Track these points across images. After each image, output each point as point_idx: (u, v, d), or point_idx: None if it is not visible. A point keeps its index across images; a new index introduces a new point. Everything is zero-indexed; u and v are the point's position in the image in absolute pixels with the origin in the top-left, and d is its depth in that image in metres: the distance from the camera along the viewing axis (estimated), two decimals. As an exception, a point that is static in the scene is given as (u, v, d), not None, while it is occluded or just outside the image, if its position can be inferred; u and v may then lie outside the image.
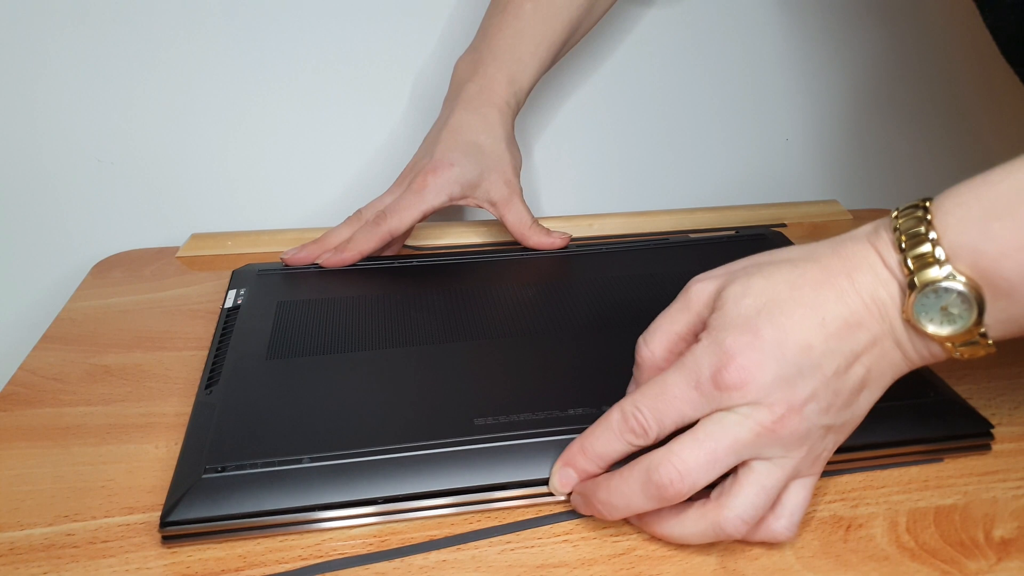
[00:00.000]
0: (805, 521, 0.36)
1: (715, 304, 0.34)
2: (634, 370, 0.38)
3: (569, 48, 0.58)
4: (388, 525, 0.36)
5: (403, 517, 0.36)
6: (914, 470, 0.39)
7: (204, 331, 0.50)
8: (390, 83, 0.63)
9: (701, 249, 0.57)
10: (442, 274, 0.54)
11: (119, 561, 0.34)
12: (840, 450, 0.38)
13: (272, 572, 0.34)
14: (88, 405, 0.44)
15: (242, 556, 0.34)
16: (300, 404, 0.40)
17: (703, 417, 0.32)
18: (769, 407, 0.31)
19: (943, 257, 0.30)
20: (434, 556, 0.34)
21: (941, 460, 0.39)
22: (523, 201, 0.56)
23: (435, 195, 0.52)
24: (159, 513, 0.36)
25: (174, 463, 0.38)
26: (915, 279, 0.31)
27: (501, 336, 0.46)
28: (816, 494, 0.37)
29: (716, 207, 0.68)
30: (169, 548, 0.35)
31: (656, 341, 0.36)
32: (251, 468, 0.36)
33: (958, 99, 0.73)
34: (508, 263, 0.56)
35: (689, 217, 0.65)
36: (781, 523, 0.33)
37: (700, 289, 0.35)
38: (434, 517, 0.36)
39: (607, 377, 0.42)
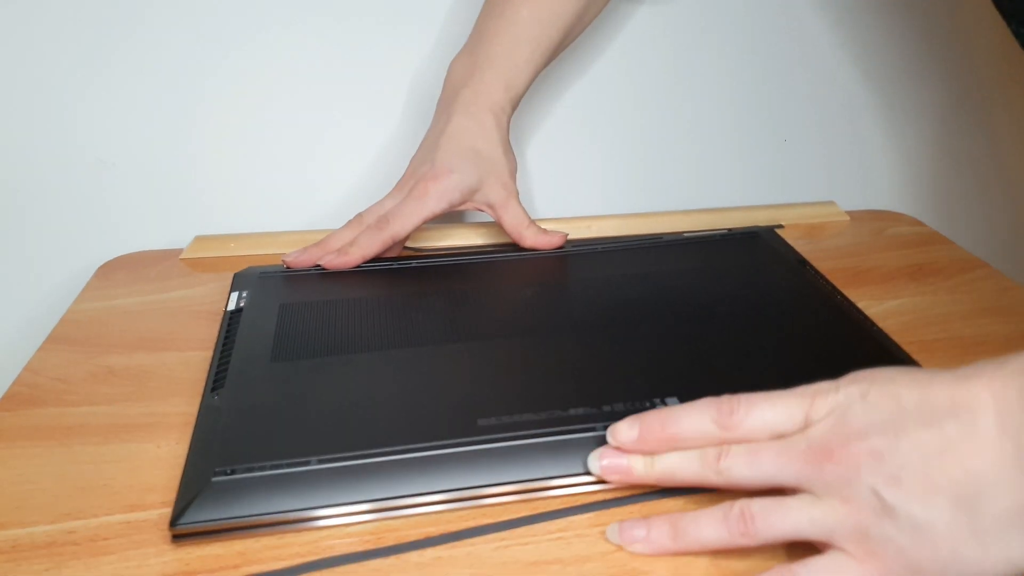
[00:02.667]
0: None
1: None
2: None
3: (560, 51, 0.59)
4: (384, 522, 0.36)
5: (399, 514, 0.36)
6: (906, 468, 0.39)
7: (207, 332, 0.50)
8: (389, 86, 0.64)
9: (696, 247, 0.58)
10: (443, 275, 0.54)
11: (119, 558, 0.35)
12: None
13: (270, 569, 0.34)
14: (91, 405, 0.44)
15: (240, 553, 0.35)
16: (306, 406, 0.40)
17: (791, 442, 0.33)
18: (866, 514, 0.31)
19: None
20: (429, 553, 0.35)
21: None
22: (519, 203, 0.57)
23: (436, 201, 0.53)
24: (160, 511, 0.37)
25: (176, 462, 0.39)
26: None
27: (502, 336, 0.47)
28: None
29: (713, 208, 0.69)
30: (169, 546, 0.35)
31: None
32: (260, 471, 0.36)
33: (956, 100, 0.73)
34: (508, 264, 0.56)
35: (686, 218, 0.66)
36: None
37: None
38: (430, 514, 0.37)
39: (607, 376, 0.43)
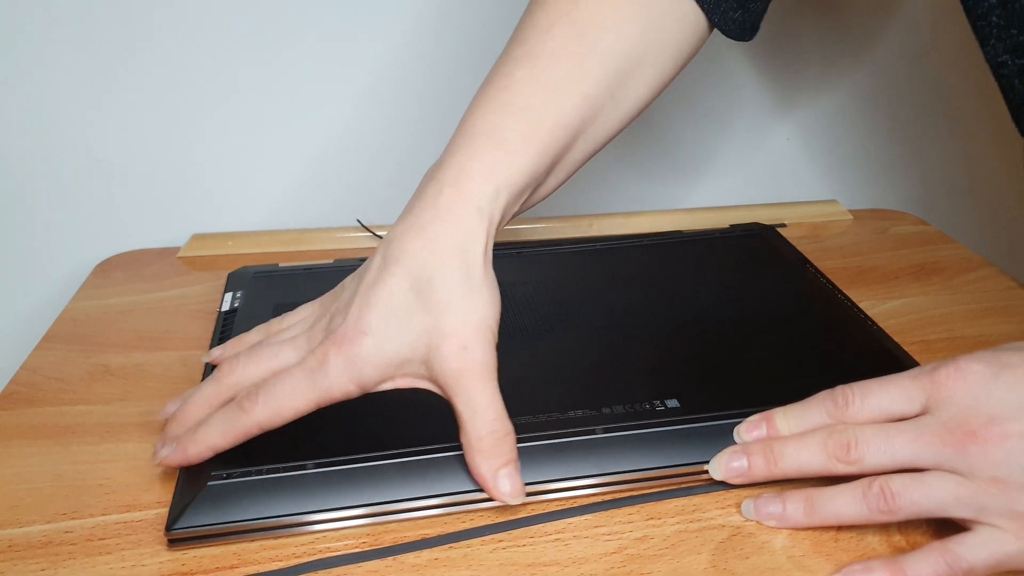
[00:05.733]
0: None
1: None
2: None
3: (588, 151, 0.41)
4: (381, 524, 0.36)
5: (397, 518, 0.36)
6: (907, 470, 0.39)
7: (204, 331, 0.50)
8: (391, 86, 0.63)
9: (697, 246, 0.57)
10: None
11: (115, 558, 0.34)
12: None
13: (266, 570, 0.34)
14: (88, 404, 0.44)
15: (236, 554, 0.35)
16: None
17: (913, 422, 0.34)
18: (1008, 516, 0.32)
19: None
20: (426, 554, 0.35)
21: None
22: (488, 384, 0.35)
23: (335, 381, 0.35)
24: (157, 511, 0.37)
25: (172, 462, 0.39)
26: None
27: (499, 337, 0.46)
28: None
29: (715, 207, 0.68)
30: (165, 546, 0.35)
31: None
32: (256, 475, 0.36)
33: (956, 99, 0.73)
34: (505, 263, 0.55)
35: (689, 217, 0.65)
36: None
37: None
38: (427, 517, 0.36)
39: (606, 378, 0.42)
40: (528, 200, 0.40)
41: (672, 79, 0.43)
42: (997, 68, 0.42)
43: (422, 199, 0.36)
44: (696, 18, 0.42)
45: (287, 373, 0.36)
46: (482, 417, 0.35)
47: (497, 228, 0.37)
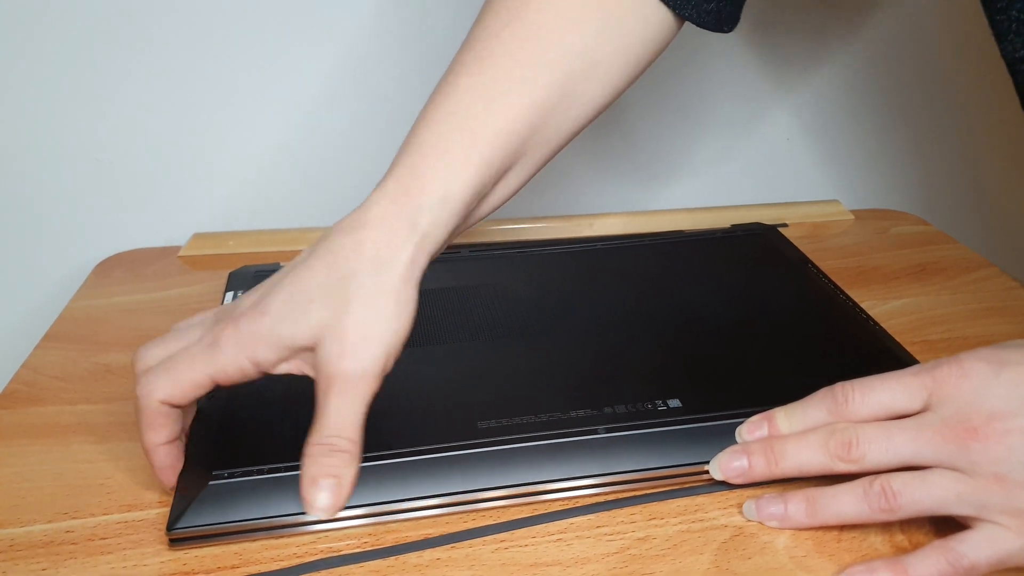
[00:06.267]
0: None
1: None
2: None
3: (541, 155, 0.41)
4: (383, 524, 0.36)
5: (399, 517, 0.36)
6: (909, 470, 0.39)
7: (205, 330, 0.50)
8: (396, 88, 0.63)
9: (699, 246, 0.57)
10: (440, 274, 0.54)
11: (117, 558, 0.34)
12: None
13: (268, 570, 0.34)
14: (89, 403, 0.44)
15: (238, 554, 0.35)
16: (303, 408, 0.40)
17: (916, 420, 0.34)
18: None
19: None
20: (428, 554, 0.35)
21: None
22: (348, 397, 0.34)
23: (230, 356, 0.34)
24: (158, 511, 0.37)
25: (173, 462, 0.39)
26: None
27: (501, 337, 0.46)
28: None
29: (716, 207, 0.68)
30: (166, 545, 0.35)
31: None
32: (257, 474, 0.36)
33: (957, 99, 0.73)
34: (507, 262, 0.56)
35: (689, 217, 0.65)
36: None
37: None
38: (429, 516, 0.36)
39: (608, 377, 0.42)
40: (479, 207, 0.39)
41: (637, 77, 0.42)
42: (1013, 64, 0.41)
43: (364, 206, 0.36)
44: (662, 13, 0.40)
45: (185, 350, 0.35)
46: (326, 425, 0.33)
47: (438, 242, 0.36)
